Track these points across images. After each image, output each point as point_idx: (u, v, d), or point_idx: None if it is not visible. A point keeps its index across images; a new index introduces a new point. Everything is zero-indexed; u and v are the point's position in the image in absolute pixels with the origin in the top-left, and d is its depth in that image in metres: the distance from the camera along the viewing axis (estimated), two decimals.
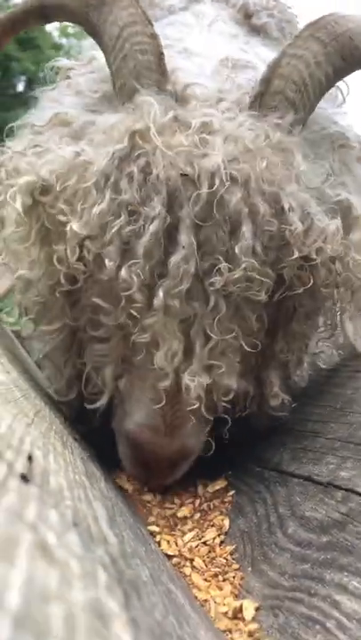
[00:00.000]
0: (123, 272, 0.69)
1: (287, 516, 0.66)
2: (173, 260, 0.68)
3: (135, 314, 0.70)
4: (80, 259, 0.71)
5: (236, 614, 0.54)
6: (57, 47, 12.55)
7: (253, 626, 0.52)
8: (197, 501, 0.82)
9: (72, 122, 0.77)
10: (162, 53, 0.74)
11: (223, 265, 0.68)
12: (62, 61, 0.90)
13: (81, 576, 0.19)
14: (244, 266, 0.68)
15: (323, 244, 0.70)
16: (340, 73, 0.77)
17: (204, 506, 0.81)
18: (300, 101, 0.74)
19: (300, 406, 0.90)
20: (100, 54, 0.81)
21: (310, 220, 0.70)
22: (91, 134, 0.73)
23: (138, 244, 0.68)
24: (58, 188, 0.70)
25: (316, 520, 0.61)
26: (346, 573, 0.51)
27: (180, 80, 0.75)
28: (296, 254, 0.70)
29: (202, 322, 0.71)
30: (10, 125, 0.87)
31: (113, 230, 0.68)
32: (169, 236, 0.68)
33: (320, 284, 0.74)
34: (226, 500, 0.81)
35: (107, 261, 0.69)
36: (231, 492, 0.82)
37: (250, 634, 0.50)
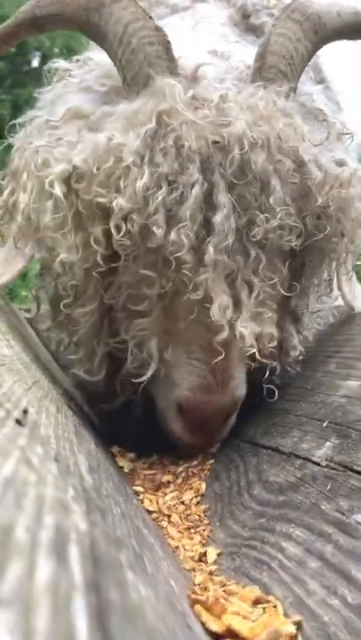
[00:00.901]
0: (172, 236, 0.75)
1: (255, 480, 0.76)
2: (217, 218, 0.76)
3: (188, 273, 0.77)
4: (125, 234, 0.77)
5: (201, 558, 0.64)
6: None
7: (213, 567, 0.61)
8: (180, 469, 0.91)
9: (88, 114, 0.83)
10: (168, 42, 0.81)
11: (261, 217, 0.77)
12: (59, 63, 0.95)
13: (53, 484, 0.28)
14: (279, 215, 0.77)
15: (339, 189, 0.80)
16: (315, 45, 0.88)
17: (187, 472, 0.90)
18: (291, 73, 0.84)
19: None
20: (94, 54, 0.88)
21: (325, 170, 0.80)
22: (112, 122, 0.79)
23: (181, 209, 0.75)
24: (94, 172, 0.76)
25: (276, 483, 0.70)
26: (293, 525, 0.60)
27: (187, 64, 0.83)
28: (318, 201, 0.80)
29: (245, 274, 0.79)
30: (12, 123, 0.92)
31: (157, 200, 0.74)
32: (207, 201, 0.76)
33: (331, 234, 0.84)
34: (205, 467, 0.90)
35: (155, 229, 0.75)
36: (211, 461, 0.91)
37: (210, 572, 0.60)
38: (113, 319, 0.90)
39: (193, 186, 0.74)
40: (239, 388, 0.87)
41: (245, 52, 0.93)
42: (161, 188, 0.74)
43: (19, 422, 0.33)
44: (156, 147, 0.75)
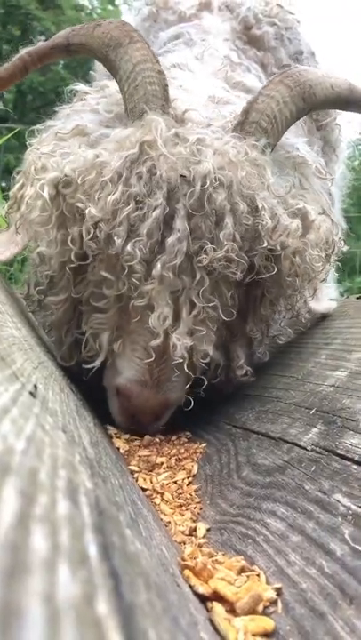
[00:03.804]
0: (128, 247, 0.85)
1: (244, 463, 0.80)
2: (170, 240, 0.85)
3: (136, 281, 0.87)
4: (92, 238, 0.87)
5: (191, 532, 0.68)
6: (78, 8, 12.37)
7: (202, 540, 0.66)
8: (174, 450, 0.95)
9: (90, 133, 0.94)
10: (167, 85, 0.92)
11: (209, 246, 0.86)
12: (79, 86, 1.07)
13: (63, 448, 0.32)
14: (226, 248, 0.85)
15: (286, 238, 0.88)
16: (301, 111, 0.96)
17: (180, 455, 0.95)
18: (271, 130, 0.93)
19: (270, 376, 1.04)
20: (111, 83, 0.99)
21: (277, 219, 0.88)
22: (105, 143, 0.90)
23: (142, 226, 0.85)
24: (79, 182, 0.87)
25: (264, 466, 0.75)
26: (278, 503, 0.64)
27: (179, 107, 0.93)
28: (265, 244, 0.88)
29: (189, 293, 0.88)
30: (32, 128, 1.02)
31: (123, 215, 0.85)
32: (166, 223, 0.86)
33: (285, 274, 0.92)
34: (198, 450, 0.94)
35: (116, 239, 0.86)
36: (203, 445, 0.95)
37: (199, 545, 0.64)
38: (80, 312, 1.01)
39: (156, 208, 0.84)
40: (173, 391, 0.96)
41: (243, 97, 1.03)
42: (129, 204, 0.85)
43: (32, 394, 0.37)
44: (134, 170, 0.85)
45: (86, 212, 0.86)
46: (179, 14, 1.21)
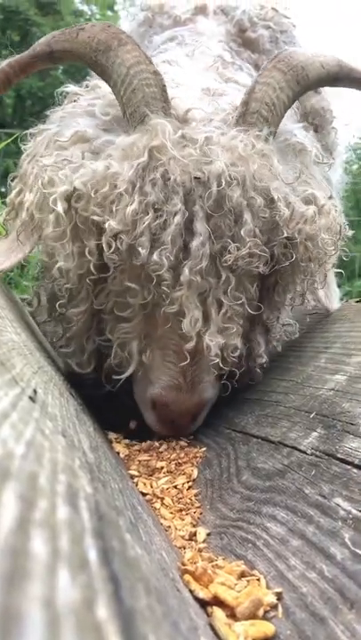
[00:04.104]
0: (154, 256, 0.85)
1: (244, 467, 0.80)
2: (194, 244, 0.85)
3: (165, 289, 0.87)
4: (114, 251, 0.87)
5: (191, 537, 0.68)
6: (78, 14, 12.41)
7: (202, 545, 0.65)
8: (173, 455, 0.95)
9: (91, 139, 0.93)
10: (164, 86, 0.91)
11: (232, 245, 0.86)
12: (70, 87, 1.05)
13: (63, 453, 0.32)
14: (249, 245, 0.86)
15: (303, 226, 0.89)
16: (297, 94, 0.96)
17: (180, 459, 0.95)
18: (272, 118, 0.93)
19: (270, 380, 1.04)
20: (102, 83, 0.96)
21: (292, 208, 0.89)
22: (110, 151, 0.89)
23: (164, 234, 0.85)
24: (92, 195, 0.86)
25: (264, 470, 0.75)
26: (278, 508, 0.64)
27: (180, 106, 0.93)
28: (284, 234, 0.89)
29: (216, 293, 0.89)
30: (25, 132, 1.01)
31: (144, 225, 0.84)
32: (187, 227, 0.86)
33: (299, 259, 0.94)
34: (198, 454, 0.94)
35: (140, 249, 0.85)
36: (203, 449, 0.95)
37: (199, 550, 0.64)
38: (101, 320, 1.00)
39: (175, 214, 0.84)
40: (207, 391, 0.97)
41: (237, 88, 1.03)
42: (148, 214, 0.84)
43: (31, 399, 0.37)
44: (147, 178, 0.84)
45: (106, 225, 0.85)
46: (174, 18, 1.22)
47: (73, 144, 0.94)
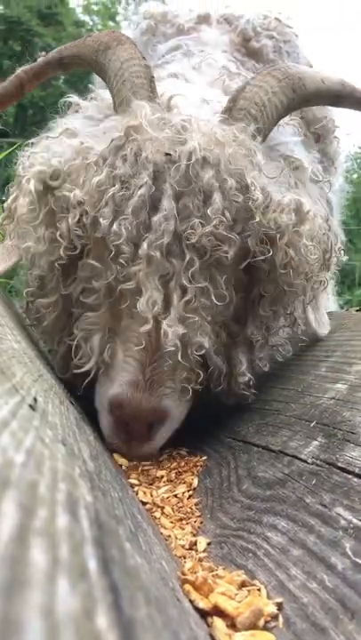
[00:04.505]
0: (114, 226, 0.84)
1: (244, 476, 0.80)
2: (156, 218, 0.84)
3: (123, 262, 0.84)
4: (78, 223, 0.86)
5: (192, 546, 0.68)
6: (79, 24, 12.49)
7: (203, 554, 0.65)
8: (174, 464, 0.95)
9: (78, 133, 0.94)
10: (152, 77, 0.93)
11: (197, 221, 0.84)
12: (73, 98, 1.07)
13: (63, 461, 0.32)
14: (214, 223, 0.83)
15: (279, 215, 0.86)
16: (292, 102, 0.95)
17: (180, 468, 0.94)
18: (261, 118, 0.92)
19: (270, 389, 1.04)
20: (104, 92, 0.99)
21: (269, 196, 0.86)
22: (93, 136, 0.90)
23: (127, 205, 0.84)
24: (65, 170, 0.87)
25: (265, 479, 0.74)
26: (278, 517, 0.64)
27: (166, 95, 0.93)
28: (258, 219, 0.85)
29: (179, 277, 0.85)
30: (26, 142, 1.03)
31: (108, 195, 0.84)
32: (153, 205, 0.84)
33: (279, 265, 0.89)
34: (198, 464, 0.94)
35: (101, 220, 0.84)
36: (203, 458, 0.95)
37: (199, 559, 0.64)
38: (72, 319, 0.97)
39: (141, 187, 0.83)
40: (168, 399, 0.89)
41: None
42: (114, 185, 0.84)
43: (31, 407, 0.37)
44: (119, 153, 0.85)
45: (71, 195, 0.85)
46: (177, 27, 1.23)
47: (60, 138, 0.95)
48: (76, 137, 0.93)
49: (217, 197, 0.83)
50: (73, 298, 0.95)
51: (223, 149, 0.85)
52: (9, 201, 1.03)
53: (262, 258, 0.88)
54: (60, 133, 0.95)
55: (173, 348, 0.84)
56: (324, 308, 1.21)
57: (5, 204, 1.05)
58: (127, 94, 0.91)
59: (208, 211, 0.83)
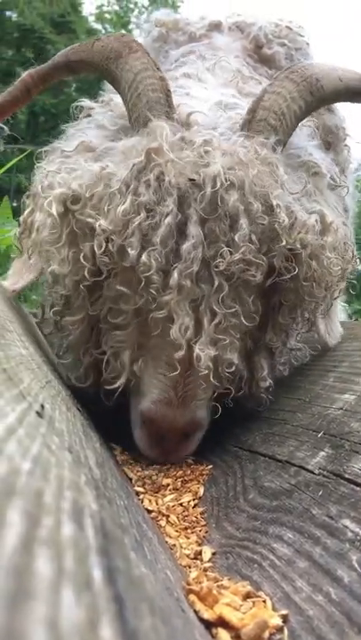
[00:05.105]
0: (143, 257, 0.83)
1: (250, 486, 0.79)
2: (185, 247, 0.83)
3: (153, 293, 0.84)
4: (105, 252, 0.85)
5: (197, 556, 0.67)
6: (92, 32, 12.60)
7: (208, 564, 0.65)
8: (180, 472, 0.94)
9: (95, 148, 0.92)
10: (169, 91, 0.90)
11: (225, 250, 0.83)
12: (85, 102, 1.06)
13: (69, 469, 0.32)
14: (242, 250, 0.83)
15: (305, 235, 0.86)
16: (310, 105, 0.94)
17: (186, 477, 0.94)
18: (280, 127, 0.90)
19: (278, 398, 1.04)
20: (117, 97, 0.96)
21: (294, 216, 0.86)
22: (111, 155, 0.89)
23: (155, 234, 0.83)
24: (87, 196, 0.85)
25: (271, 489, 0.74)
26: (285, 528, 0.63)
27: (184, 111, 0.91)
28: (284, 242, 0.85)
29: (209, 301, 0.85)
30: (39, 150, 1.02)
31: (134, 225, 0.82)
32: (180, 231, 0.83)
33: (302, 278, 0.89)
34: (204, 472, 0.94)
35: (129, 250, 0.83)
36: (209, 466, 0.94)
37: (204, 569, 0.63)
38: (99, 331, 0.97)
39: (167, 215, 0.82)
40: (200, 410, 0.93)
41: (249, 102, 0.99)
42: (140, 214, 0.82)
43: (38, 414, 0.37)
44: (142, 179, 0.83)
45: (96, 225, 0.84)
46: (189, 35, 1.23)
47: (77, 153, 0.94)
48: (92, 151, 0.92)
49: (243, 222, 0.83)
50: (100, 316, 0.95)
51: (247, 170, 0.84)
52: (24, 215, 1.02)
53: (288, 276, 0.89)
54: (76, 147, 0.94)
55: (206, 371, 0.85)
56: (337, 317, 1.22)
57: (21, 218, 1.04)
58: (143, 110, 0.89)
59: (236, 237, 0.83)
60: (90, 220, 0.86)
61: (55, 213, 0.87)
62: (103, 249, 0.85)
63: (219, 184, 0.81)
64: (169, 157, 0.83)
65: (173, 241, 0.83)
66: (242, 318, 0.88)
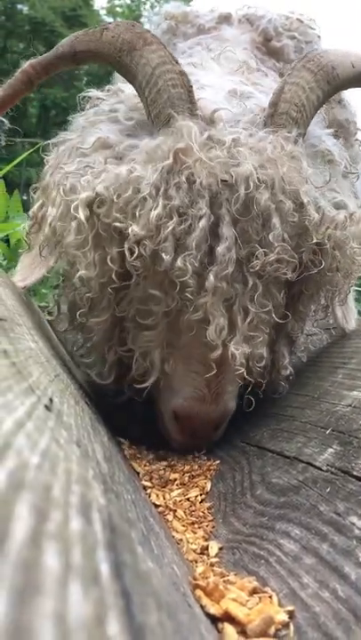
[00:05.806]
0: (178, 262, 0.83)
1: (258, 482, 0.79)
2: (220, 249, 0.83)
3: (189, 296, 0.84)
4: (137, 257, 0.84)
5: (203, 551, 0.67)
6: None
7: (214, 560, 0.65)
8: (187, 467, 0.95)
9: (113, 145, 0.90)
10: (191, 86, 0.88)
11: (260, 251, 0.84)
12: (93, 92, 1.04)
13: (77, 463, 0.32)
14: (277, 250, 0.83)
15: (333, 231, 0.87)
16: (327, 94, 0.94)
17: (193, 472, 0.94)
18: (301, 119, 0.90)
19: (286, 395, 1.04)
20: (126, 87, 0.95)
21: (322, 211, 0.86)
22: (134, 155, 0.87)
23: (189, 238, 0.82)
24: (114, 200, 0.83)
25: (278, 485, 0.74)
26: (292, 524, 0.63)
27: (206, 107, 0.90)
28: (314, 239, 0.86)
29: (242, 300, 0.86)
30: (46, 142, 1.01)
31: (168, 230, 0.82)
32: (212, 232, 0.83)
33: (326, 269, 0.91)
34: (212, 467, 0.94)
35: (163, 255, 0.83)
36: (217, 462, 0.94)
37: (211, 564, 0.63)
38: (123, 329, 0.98)
39: (201, 218, 0.81)
40: (230, 401, 0.96)
41: (263, 91, 1.00)
42: (172, 218, 0.81)
43: (47, 408, 0.37)
44: (171, 181, 0.82)
45: (128, 230, 0.83)
46: (198, 27, 1.23)
47: (95, 150, 0.92)
48: (109, 148, 0.90)
49: (276, 222, 0.83)
50: (127, 317, 0.95)
51: (276, 168, 0.84)
52: (34, 208, 1.01)
53: (315, 271, 0.90)
54: (93, 144, 0.92)
55: (242, 368, 0.87)
56: (352, 302, 1.23)
57: (31, 212, 1.03)
58: (165, 107, 0.87)
59: (270, 237, 0.83)
60: (117, 224, 0.84)
61: (83, 218, 0.86)
62: (136, 254, 0.84)
63: (252, 184, 0.81)
64: (198, 157, 0.82)
65: (207, 244, 0.83)
66: (272, 314, 0.90)
